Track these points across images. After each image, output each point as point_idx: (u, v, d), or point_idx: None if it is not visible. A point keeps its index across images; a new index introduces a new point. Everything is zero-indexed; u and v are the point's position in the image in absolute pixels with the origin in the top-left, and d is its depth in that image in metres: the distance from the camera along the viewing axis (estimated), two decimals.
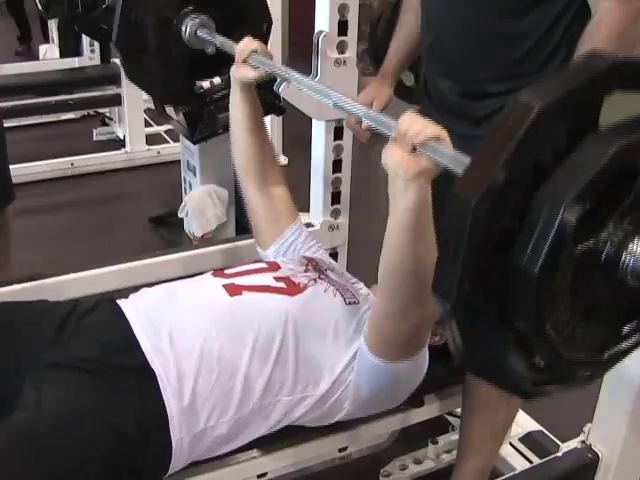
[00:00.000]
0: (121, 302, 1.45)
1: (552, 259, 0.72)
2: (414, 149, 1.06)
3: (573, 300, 0.77)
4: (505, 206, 0.74)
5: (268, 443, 1.48)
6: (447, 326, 0.79)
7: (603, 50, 1.24)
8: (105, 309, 1.45)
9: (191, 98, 1.96)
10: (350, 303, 1.47)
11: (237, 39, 1.70)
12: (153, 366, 1.31)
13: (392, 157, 1.08)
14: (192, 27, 1.84)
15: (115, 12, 1.82)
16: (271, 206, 1.67)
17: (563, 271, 0.74)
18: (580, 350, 0.82)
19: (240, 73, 1.61)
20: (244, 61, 1.59)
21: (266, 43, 1.93)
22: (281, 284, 1.48)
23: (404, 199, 1.09)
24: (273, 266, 1.56)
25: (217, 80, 1.93)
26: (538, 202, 0.73)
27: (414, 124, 1.06)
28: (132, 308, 1.42)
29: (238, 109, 1.67)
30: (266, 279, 1.49)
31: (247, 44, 1.61)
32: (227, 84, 1.77)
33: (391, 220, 1.15)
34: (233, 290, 1.43)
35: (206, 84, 1.92)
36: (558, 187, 0.73)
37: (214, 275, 1.52)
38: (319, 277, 1.53)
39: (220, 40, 1.78)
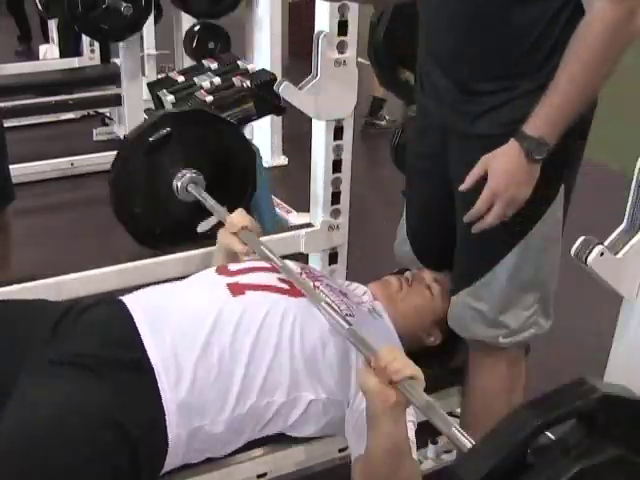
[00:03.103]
0: (124, 298, 1.46)
1: None
2: (390, 381, 1.17)
3: None
4: None
5: (268, 443, 1.48)
6: None
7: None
8: (107, 305, 1.45)
9: (193, 241, 2.07)
10: (346, 315, 1.46)
11: (225, 192, 1.90)
12: (152, 360, 1.31)
13: (370, 385, 1.20)
14: (183, 184, 1.97)
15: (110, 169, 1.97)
16: None
17: None
18: None
19: (228, 242, 1.69)
20: (234, 233, 1.67)
21: (250, 200, 2.12)
22: (284, 285, 1.48)
23: (383, 423, 1.22)
24: (274, 267, 1.56)
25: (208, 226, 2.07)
26: None
27: (394, 361, 1.19)
28: (136, 303, 1.42)
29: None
30: (270, 278, 1.50)
31: (238, 218, 1.70)
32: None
33: (369, 440, 1.27)
34: (237, 290, 1.43)
35: (204, 226, 2.05)
36: None
37: (218, 273, 1.52)
38: (314, 285, 1.54)
39: (210, 204, 1.92)
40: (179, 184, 1.98)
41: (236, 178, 2.08)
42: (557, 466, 0.87)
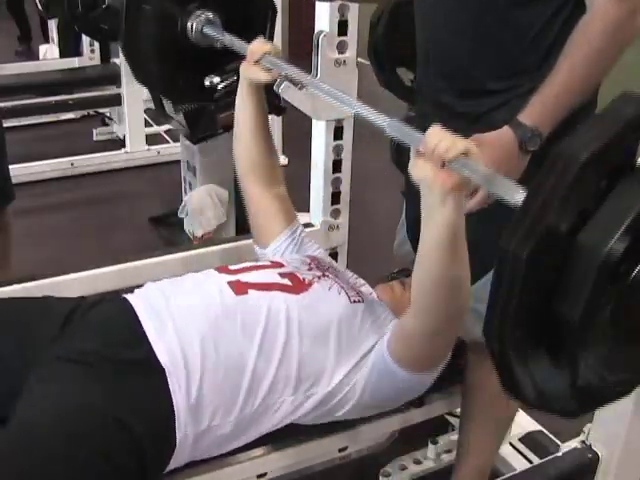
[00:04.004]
0: (128, 296, 1.45)
1: (595, 297, 0.79)
2: (444, 164, 1.07)
3: (614, 330, 0.83)
4: (552, 254, 0.80)
5: (268, 443, 1.48)
6: (498, 365, 0.86)
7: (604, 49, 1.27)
8: (112, 304, 1.44)
9: (199, 94, 1.94)
10: (355, 302, 1.47)
11: (243, 34, 1.69)
12: (161, 360, 1.30)
13: (424, 172, 1.09)
14: (198, 25, 1.81)
15: (120, 13, 1.80)
16: (271, 205, 1.67)
17: (604, 306, 0.80)
18: (621, 371, 0.88)
19: (251, 74, 1.59)
20: (256, 62, 1.57)
21: (272, 33, 1.94)
22: (286, 280, 1.47)
23: (441, 213, 1.11)
24: (277, 263, 1.56)
25: (217, 80, 1.90)
26: (581, 244, 0.79)
27: (443, 140, 1.07)
28: (140, 302, 1.42)
29: (245, 108, 1.66)
30: (271, 275, 1.49)
31: (259, 46, 1.58)
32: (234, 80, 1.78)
33: (426, 235, 1.16)
34: (239, 289, 1.43)
35: (213, 80, 1.88)
36: (599, 230, 0.79)
37: (218, 271, 1.51)
38: (323, 275, 1.54)
39: (229, 39, 1.74)
40: (194, 24, 1.80)
41: (253, 25, 1.92)
42: None
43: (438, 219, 1.12)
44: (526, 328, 0.83)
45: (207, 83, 1.88)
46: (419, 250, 1.19)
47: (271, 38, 1.91)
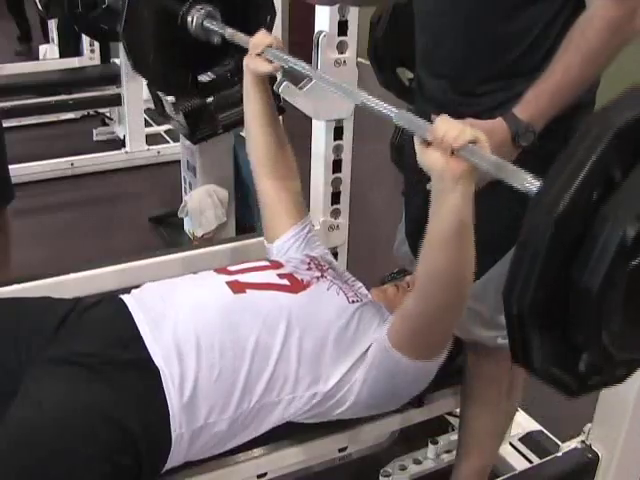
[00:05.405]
0: (124, 297, 1.45)
1: (611, 273, 0.80)
2: (452, 152, 1.09)
3: (625, 307, 0.84)
4: (578, 220, 0.81)
5: (268, 443, 1.48)
6: (513, 328, 0.87)
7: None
8: (108, 305, 1.45)
9: (195, 90, 1.97)
10: (353, 302, 1.47)
11: (242, 30, 1.70)
12: (155, 360, 1.31)
13: (434, 161, 1.11)
14: (199, 18, 1.81)
15: (122, 5, 1.80)
16: (280, 199, 1.67)
17: (619, 283, 0.81)
18: (627, 349, 0.89)
19: (255, 65, 1.59)
20: (258, 54, 1.58)
21: (272, 26, 1.95)
22: (284, 281, 1.48)
23: (453, 198, 1.12)
24: (276, 264, 1.56)
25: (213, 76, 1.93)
26: (602, 217, 0.81)
27: (451, 128, 1.09)
28: (135, 303, 1.42)
29: (250, 101, 1.67)
30: (270, 276, 1.49)
31: (262, 38, 1.59)
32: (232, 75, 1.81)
33: (435, 221, 1.18)
34: (237, 288, 1.43)
35: (210, 76, 1.92)
36: (621, 205, 0.80)
37: (217, 272, 1.51)
38: (322, 275, 1.54)
39: (230, 32, 1.75)
40: (195, 17, 1.81)
41: (251, 19, 1.92)
42: None
43: (449, 203, 1.13)
44: (546, 293, 0.84)
45: (202, 79, 1.90)
46: (427, 237, 1.20)
47: (270, 31, 1.88)
